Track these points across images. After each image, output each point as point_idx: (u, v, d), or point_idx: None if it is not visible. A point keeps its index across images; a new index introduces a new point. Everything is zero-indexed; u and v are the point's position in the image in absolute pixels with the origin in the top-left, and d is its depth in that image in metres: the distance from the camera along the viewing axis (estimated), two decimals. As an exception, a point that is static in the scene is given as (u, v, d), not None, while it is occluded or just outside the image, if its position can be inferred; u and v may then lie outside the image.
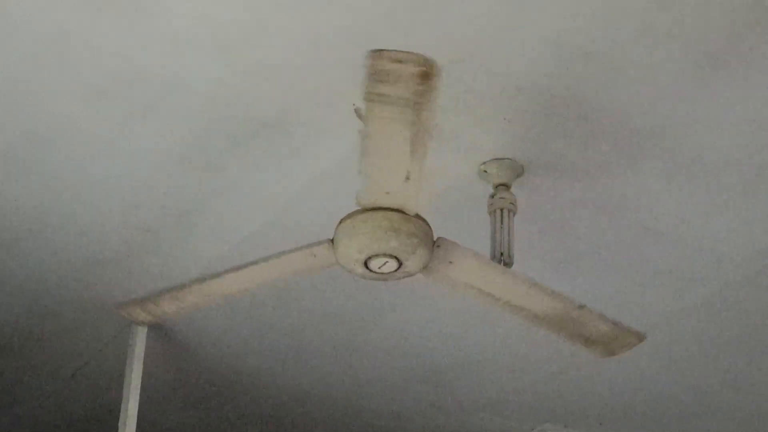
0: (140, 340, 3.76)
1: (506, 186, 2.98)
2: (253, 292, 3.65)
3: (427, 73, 2.21)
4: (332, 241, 2.64)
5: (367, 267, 2.63)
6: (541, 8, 2.45)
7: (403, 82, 2.23)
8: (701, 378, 4.16)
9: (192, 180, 3.09)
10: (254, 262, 2.81)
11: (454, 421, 4.66)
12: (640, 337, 3.01)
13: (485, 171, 2.98)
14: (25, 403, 4.57)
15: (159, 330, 3.88)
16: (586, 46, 2.55)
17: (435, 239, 2.66)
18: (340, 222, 2.61)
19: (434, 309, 3.74)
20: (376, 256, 2.59)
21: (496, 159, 2.96)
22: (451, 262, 2.70)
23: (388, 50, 2.17)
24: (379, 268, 2.63)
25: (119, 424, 3.72)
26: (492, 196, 2.97)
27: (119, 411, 3.75)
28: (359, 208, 2.61)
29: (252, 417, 4.70)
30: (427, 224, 2.62)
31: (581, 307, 2.87)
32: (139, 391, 3.73)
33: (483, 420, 4.62)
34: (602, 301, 3.63)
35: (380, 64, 2.19)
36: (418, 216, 2.60)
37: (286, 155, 2.98)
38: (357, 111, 2.77)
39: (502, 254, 2.93)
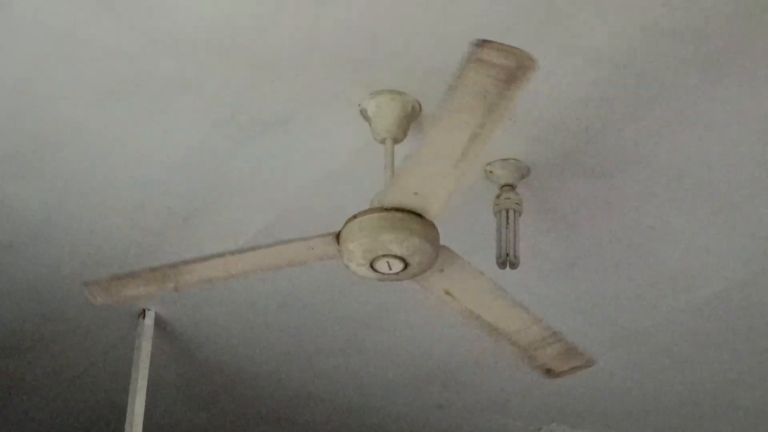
0: (147, 341, 3.77)
1: (512, 186, 2.98)
2: (260, 294, 3.67)
3: (524, 71, 2.16)
4: (337, 237, 2.62)
5: (372, 268, 2.62)
6: (542, 9, 2.45)
7: (502, 76, 2.17)
8: (705, 378, 4.15)
9: (198, 181, 3.10)
10: (251, 248, 2.74)
11: (459, 422, 4.65)
12: (588, 363, 3.05)
13: (491, 171, 2.98)
14: (33, 404, 4.58)
15: (165, 331, 3.89)
16: (591, 45, 2.55)
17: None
18: (347, 222, 2.61)
19: (439, 309, 3.74)
20: (382, 256, 2.59)
21: (502, 159, 2.96)
22: (441, 270, 2.70)
23: (493, 42, 2.11)
24: (385, 269, 2.62)
25: (126, 425, 3.73)
26: (497, 197, 2.97)
27: (126, 411, 3.76)
28: (367, 208, 2.60)
29: (258, 418, 4.71)
30: (435, 227, 2.61)
31: (550, 333, 2.91)
32: (145, 392, 3.73)
33: (489, 420, 4.62)
34: (606, 301, 3.64)
35: (486, 55, 2.13)
36: (425, 218, 2.59)
37: (291, 156, 2.98)
38: (362, 111, 2.78)
39: (507, 255, 2.93)
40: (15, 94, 2.77)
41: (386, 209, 2.56)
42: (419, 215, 2.56)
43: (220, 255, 2.75)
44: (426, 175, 2.45)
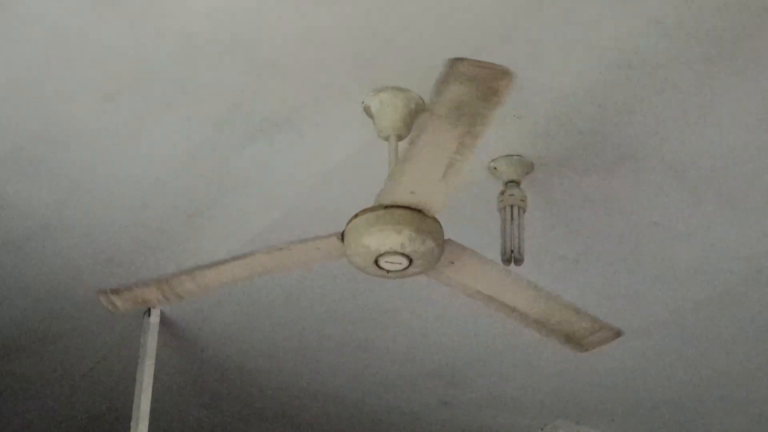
0: (152, 339, 3.78)
1: (516, 183, 2.98)
2: (265, 292, 3.67)
3: (503, 86, 2.20)
4: (341, 235, 2.63)
5: (377, 264, 2.62)
6: (546, 6, 2.45)
7: (479, 92, 2.21)
8: (709, 374, 4.15)
9: (202, 179, 3.10)
10: (257, 251, 2.75)
11: (464, 419, 4.66)
12: (617, 333, 3.01)
13: (495, 168, 2.98)
14: (39, 402, 4.58)
15: (171, 329, 3.90)
16: (595, 42, 2.55)
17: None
18: (352, 219, 2.61)
19: (444, 306, 3.74)
20: (387, 253, 2.59)
21: (506, 156, 2.96)
22: (452, 263, 2.70)
23: (468, 59, 2.15)
24: (389, 265, 2.62)
25: (131, 423, 3.73)
26: (502, 193, 2.98)
27: (132, 409, 3.76)
28: (373, 205, 2.60)
29: (262, 415, 4.71)
30: (439, 223, 2.62)
31: (567, 306, 2.90)
32: (151, 390, 3.74)
33: (494, 417, 4.62)
34: (610, 297, 3.64)
35: (460, 72, 2.17)
36: (428, 214, 2.59)
37: (295, 153, 2.98)
38: (366, 109, 2.78)
39: (512, 251, 2.94)
40: (17, 94, 2.77)
41: (389, 206, 2.56)
42: (422, 212, 2.56)
43: (226, 261, 2.77)
44: (418, 176, 2.47)
